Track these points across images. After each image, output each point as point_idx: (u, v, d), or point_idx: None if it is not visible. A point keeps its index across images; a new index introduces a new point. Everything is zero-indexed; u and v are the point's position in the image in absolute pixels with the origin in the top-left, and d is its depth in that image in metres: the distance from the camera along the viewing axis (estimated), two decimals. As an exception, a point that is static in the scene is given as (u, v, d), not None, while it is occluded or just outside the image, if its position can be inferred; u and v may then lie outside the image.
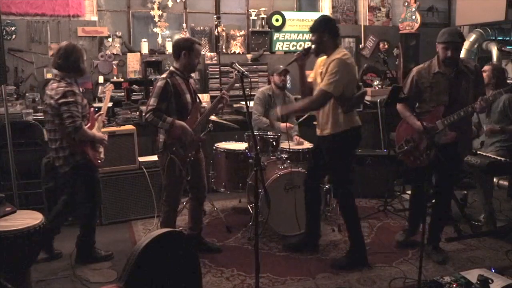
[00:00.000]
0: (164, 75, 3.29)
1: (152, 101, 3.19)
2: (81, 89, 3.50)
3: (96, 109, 3.76)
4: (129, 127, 4.44)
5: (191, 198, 3.60)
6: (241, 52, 5.84)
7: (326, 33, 3.19)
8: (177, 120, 3.24)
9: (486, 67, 4.05)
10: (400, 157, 3.54)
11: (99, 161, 3.40)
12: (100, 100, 4.90)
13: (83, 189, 3.40)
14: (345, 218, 3.39)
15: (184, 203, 4.09)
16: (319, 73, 3.26)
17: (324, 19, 3.28)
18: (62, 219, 3.53)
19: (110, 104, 4.72)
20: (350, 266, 3.29)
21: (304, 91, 3.42)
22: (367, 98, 5.79)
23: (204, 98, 5.11)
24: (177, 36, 5.60)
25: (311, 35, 3.28)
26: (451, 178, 3.39)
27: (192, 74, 3.67)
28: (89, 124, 3.33)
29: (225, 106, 3.55)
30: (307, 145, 4.32)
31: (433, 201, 3.55)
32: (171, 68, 3.34)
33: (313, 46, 3.26)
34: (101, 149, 3.44)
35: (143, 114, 3.28)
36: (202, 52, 5.71)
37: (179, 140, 3.25)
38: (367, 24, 6.36)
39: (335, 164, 3.31)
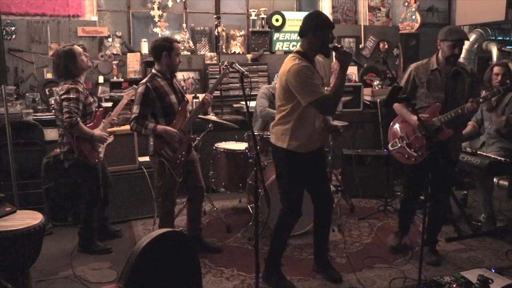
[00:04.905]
0: (144, 80, 3.26)
1: (135, 108, 3.18)
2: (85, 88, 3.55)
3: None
4: (129, 127, 4.43)
5: (189, 199, 3.59)
6: (241, 52, 5.84)
7: None
8: (166, 121, 3.24)
9: (499, 70, 3.97)
10: (393, 155, 3.56)
11: (96, 160, 3.46)
12: (100, 100, 4.90)
13: (84, 186, 3.54)
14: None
15: (184, 203, 4.09)
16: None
17: None
18: (92, 212, 3.60)
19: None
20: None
21: None
22: (367, 98, 5.81)
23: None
24: (177, 36, 5.61)
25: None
26: (446, 177, 3.33)
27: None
28: (92, 123, 3.43)
29: (208, 107, 3.57)
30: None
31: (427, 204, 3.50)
32: (152, 71, 3.30)
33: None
34: (101, 149, 3.53)
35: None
36: (202, 52, 5.72)
37: (167, 143, 3.24)
38: (367, 24, 6.36)
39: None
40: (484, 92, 3.71)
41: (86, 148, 3.37)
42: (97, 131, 3.44)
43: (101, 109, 3.62)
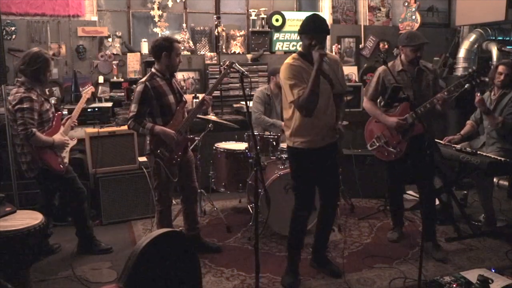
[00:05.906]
0: (143, 79, 3.26)
1: (133, 107, 3.18)
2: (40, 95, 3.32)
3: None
4: (127, 125, 4.43)
5: (182, 200, 3.59)
6: (241, 52, 5.84)
7: None
8: (163, 121, 3.24)
9: (503, 69, 3.92)
10: (374, 153, 3.76)
11: (61, 166, 3.36)
12: (100, 100, 4.90)
13: (59, 193, 3.52)
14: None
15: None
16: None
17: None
18: (81, 213, 3.55)
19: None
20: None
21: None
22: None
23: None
24: (177, 36, 5.61)
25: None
26: (428, 170, 3.46)
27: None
28: (51, 130, 3.33)
29: (207, 108, 3.62)
30: None
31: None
32: (152, 70, 3.30)
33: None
34: (64, 154, 3.43)
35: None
36: (202, 52, 5.72)
37: (164, 143, 3.23)
38: (367, 24, 6.36)
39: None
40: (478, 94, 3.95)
41: (48, 157, 3.24)
42: (57, 137, 3.33)
43: (59, 112, 3.47)
